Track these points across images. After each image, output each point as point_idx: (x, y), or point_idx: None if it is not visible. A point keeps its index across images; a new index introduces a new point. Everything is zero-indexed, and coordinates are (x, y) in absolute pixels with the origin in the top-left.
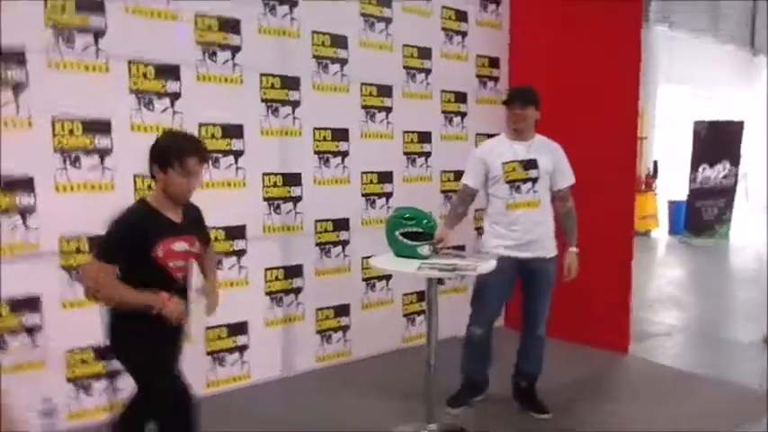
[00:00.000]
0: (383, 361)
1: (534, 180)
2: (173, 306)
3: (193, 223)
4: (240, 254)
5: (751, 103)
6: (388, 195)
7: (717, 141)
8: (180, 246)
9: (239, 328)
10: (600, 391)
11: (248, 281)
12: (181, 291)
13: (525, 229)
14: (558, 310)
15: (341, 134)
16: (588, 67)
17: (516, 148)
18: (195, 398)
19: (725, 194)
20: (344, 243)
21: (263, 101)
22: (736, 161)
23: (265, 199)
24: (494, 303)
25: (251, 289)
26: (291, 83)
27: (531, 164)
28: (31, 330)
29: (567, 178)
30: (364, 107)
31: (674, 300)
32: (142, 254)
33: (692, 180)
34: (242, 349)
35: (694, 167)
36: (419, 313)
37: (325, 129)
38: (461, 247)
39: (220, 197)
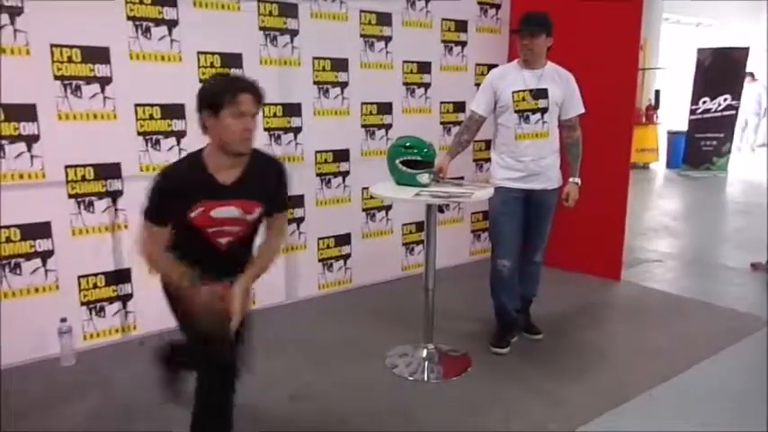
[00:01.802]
0: (383, 288)
1: (543, 110)
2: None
3: (260, 185)
4: None
5: (758, 35)
6: (388, 127)
7: (720, 71)
8: (225, 212)
9: None
10: (592, 314)
11: None
12: (226, 263)
13: (533, 160)
14: (553, 240)
15: (340, 64)
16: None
17: (527, 77)
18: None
19: (725, 127)
20: (345, 174)
21: (260, 29)
22: (737, 94)
23: (266, 129)
24: (512, 233)
25: None
26: (289, 10)
27: (541, 93)
28: (43, 255)
29: (576, 108)
30: (363, 36)
31: (668, 229)
32: (181, 213)
33: (693, 112)
34: None
35: (695, 99)
36: (418, 243)
37: (324, 59)
38: (460, 178)
39: None
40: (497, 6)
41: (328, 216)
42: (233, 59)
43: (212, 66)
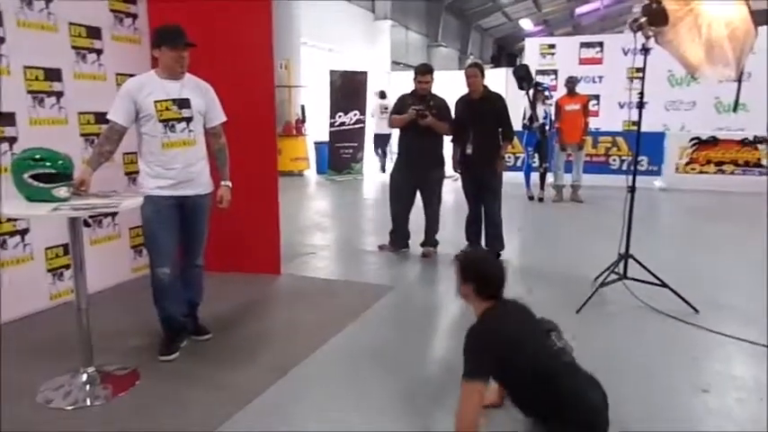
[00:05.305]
0: (27, 323)
1: (188, 119)
2: None
3: None
4: None
5: (373, 59)
6: (12, 140)
7: (348, 90)
8: None
9: None
10: (256, 306)
11: None
12: None
13: (183, 168)
14: (214, 243)
15: None
16: (225, 20)
17: (168, 87)
18: None
19: (357, 138)
20: None
21: None
22: (362, 108)
23: None
24: (168, 240)
25: None
26: None
27: (184, 103)
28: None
29: (218, 116)
30: None
31: (319, 225)
32: None
33: (332, 125)
34: None
35: (332, 114)
36: (68, 267)
37: None
38: (113, 192)
39: None
40: (134, 16)
41: None
42: None
43: None
